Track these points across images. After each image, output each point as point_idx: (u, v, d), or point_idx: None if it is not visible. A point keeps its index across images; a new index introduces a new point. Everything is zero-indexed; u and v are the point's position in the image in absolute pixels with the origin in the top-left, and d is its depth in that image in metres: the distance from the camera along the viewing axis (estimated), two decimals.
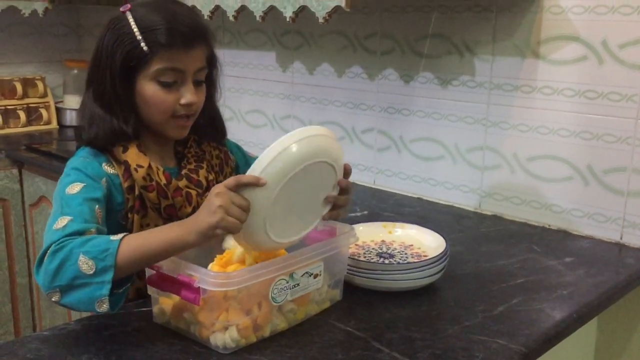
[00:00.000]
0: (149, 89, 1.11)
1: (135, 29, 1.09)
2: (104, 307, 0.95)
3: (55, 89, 2.88)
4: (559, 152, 1.54)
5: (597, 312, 1.22)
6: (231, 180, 0.97)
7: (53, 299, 0.96)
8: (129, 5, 1.12)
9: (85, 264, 0.94)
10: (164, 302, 1.04)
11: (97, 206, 1.06)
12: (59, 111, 2.79)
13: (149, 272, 1.02)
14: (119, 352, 0.97)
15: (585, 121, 1.48)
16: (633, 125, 1.42)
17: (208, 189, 1.20)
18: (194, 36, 1.11)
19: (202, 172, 1.21)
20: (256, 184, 0.96)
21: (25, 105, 2.69)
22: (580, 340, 1.49)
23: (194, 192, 1.17)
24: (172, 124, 1.15)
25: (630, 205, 1.45)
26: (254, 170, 0.97)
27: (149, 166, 1.13)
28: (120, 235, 0.98)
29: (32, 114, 2.72)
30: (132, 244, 0.97)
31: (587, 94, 1.47)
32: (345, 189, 1.11)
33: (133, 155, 1.13)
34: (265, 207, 0.98)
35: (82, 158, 1.13)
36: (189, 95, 1.12)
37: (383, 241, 1.31)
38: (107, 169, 1.13)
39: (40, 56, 2.89)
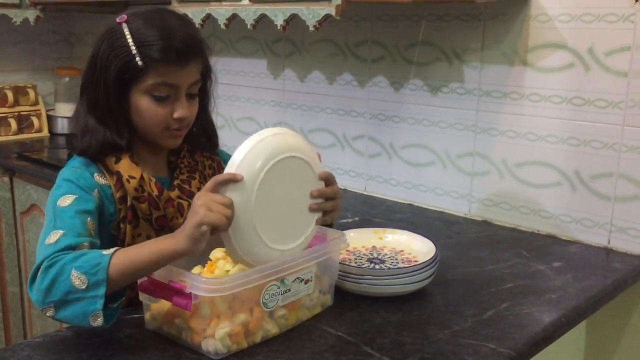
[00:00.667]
0: (142, 102, 1.12)
1: (131, 42, 1.09)
2: (99, 321, 0.95)
3: (47, 96, 2.88)
4: (547, 158, 1.56)
5: (585, 316, 1.23)
6: (209, 183, 0.99)
7: (48, 314, 0.97)
8: (125, 17, 1.12)
9: (77, 279, 0.94)
10: (156, 309, 1.05)
11: (89, 218, 1.06)
12: (50, 119, 2.79)
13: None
14: (111, 358, 0.97)
15: (572, 127, 1.50)
16: (619, 131, 1.43)
17: None
18: (188, 52, 1.11)
19: (195, 183, 1.21)
20: (233, 179, 0.97)
21: (16, 113, 2.69)
22: (569, 344, 1.51)
23: (185, 203, 1.17)
24: (166, 134, 1.16)
25: (617, 210, 1.46)
26: (229, 168, 0.98)
27: (141, 177, 1.14)
28: (112, 250, 0.98)
29: (23, 122, 2.72)
30: (123, 257, 0.97)
31: (574, 101, 1.49)
32: (332, 196, 1.11)
33: (125, 166, 1.13)
34: (248, 205, 0.98)
35: (73, 169, 1.13)
36: (181, 110, 1.13)
37: (374, 247, 1.32)
38: (99, 179, 1.13)
39: (32, 64, 2.88)
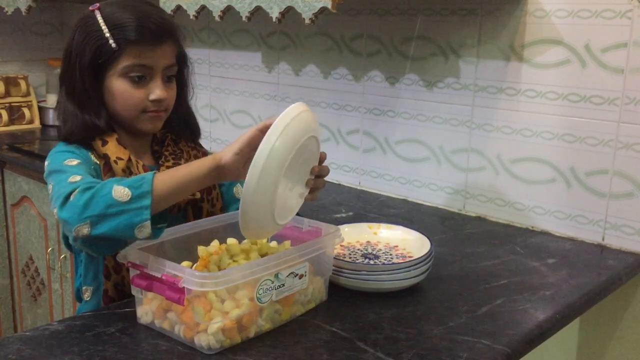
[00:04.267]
0: (118, 85, 1.13)
1: (104, 26, 1.11)
2: (145, 232, 0.96)
3: (39, 88, 2.86)
4: (542, 154, 1.55)
5: (579, 313, 1.23)
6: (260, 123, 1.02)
7: (81, 234, 0.95)
8: (97, 5, 1.15)
9: (119, 192, 0.95)
10: (148, 303, 1.04)
11: None
12: (42, 110, 2.76)
13: (133, 272, 1.02)
14: (102, 353, 0.96)
15: (568, 124, 1.50)
16: (615, 128, 1.43)
17: None
18: (162, 33, 1.13)
19: None
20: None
21: (7, 104, 2.67)
22: (562, 340, 1.51)
23: None
24: (143, 117, 1.16)
25: (612, 207, 1.46)
26: (269, 141, 0.95)
27: (129, 159, 1.15)
28: (152, 172, 1.01)
29: (15, 113, 2.69)
30: (166, 173, 1.01)
31: (570, 97, 1.49)
32: (321, 173, 1.11)
33: (113, 148, 1.15)
34: (279, 174, 0.97)
35: (66, 145, 1.14)
36: (157, 91, 1.14)
37: (368, 242, 1.32)
38: (93, 158, 1.14)
39: (23, 55, 2.86)
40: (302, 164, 1.04)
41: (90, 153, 1.14)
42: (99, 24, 1.12)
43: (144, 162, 1.21)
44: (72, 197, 0.96)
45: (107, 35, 1.11)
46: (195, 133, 1.31)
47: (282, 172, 0.98)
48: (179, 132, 1.27)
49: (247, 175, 0.96)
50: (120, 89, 1.13)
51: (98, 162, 1.14)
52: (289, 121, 0.97)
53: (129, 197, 0.95)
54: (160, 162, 1.22)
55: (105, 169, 1.14)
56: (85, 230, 0.95)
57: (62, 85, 1.18)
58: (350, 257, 1.23)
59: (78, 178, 1.01)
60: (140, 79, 1.13)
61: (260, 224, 1.01)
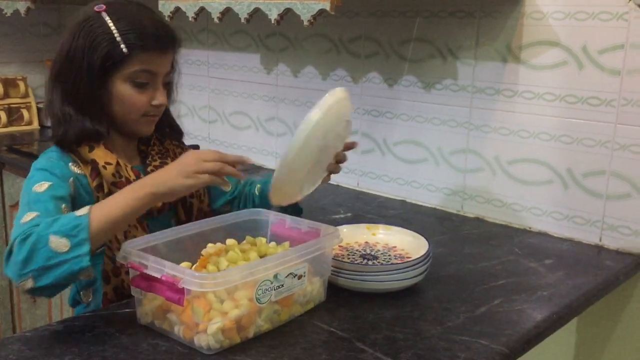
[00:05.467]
0: (123, 89, 1.14)
1: (114, 30, 1.11)
2: (88, 274, 0.97)
3: (37, 89, 2.86)
4: (540, 155, 1.56)
5: (576, 313, 1.24)
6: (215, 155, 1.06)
7: (26, 288, 0.96)
8: (103, 6, 1.14)
9: (57, 243, 0.94)
10: (148, 303, 1.04)
11: (63, 205, 1.07)
12: (41, 112, 2.76)
13: (132, 272, 1.02)
14: (102, 353, 0.96)
15: (565, 125, 1.51)
16: (612, 129, 1.44)
17: None
18: (168, 40, 1.15)
19: None
20: (241, 162, 1.08)
21: (6, 106, 2.67)
22: (560, 341, 1.52)
23: None
24: (143, 121, 1.18)
25: (608, 208, 1.47)
26: (316, 113, 1.05)
27: (117, 163, 1.16)
28: (86, 209, 0.99)
29: (13, 114, 2.70)
30: (100, 213, 0.99)
31: (567, 99, 1.50)
32: (342, 159, 1.22)
33: (100, 154, 1.15)
34: (316, 150, 1.08)
35: (46, 159, 1.14)
36: (160, 97, 1.17)
37: (367, 243, 1.32)
38: (74, 168, 1.14)
39: (22, 56, 2.86)
40: (330, 146, 1.13)
41: (71, 163, 1.14)
42: (108, 27, 1.11)
43: (132, 163, 1.22)
44: (13, 251, 0.96)
45: (119, 39, 1.11)
46: (179, 132, 1.33)
47: (320, 145, 1.07)
48: (163, 131, 1.29)
49: (291, 143, 1.04)
50: (124, 92, 1.14)
51: (81, 172, 1.14)
52: (334, 101, 1.06)
53: (68, 247, 0.95)
54: (147, 162, 1.23)
55: (93, 174, 1.14)
56: (29, 284, 0.95)
57: (56, 87, 1.16)
58: (348, 258, 1.24)
59: (32, 216, 1.00)
60: (145, 84, 1.14)
61: (290, 189, 1.12)
